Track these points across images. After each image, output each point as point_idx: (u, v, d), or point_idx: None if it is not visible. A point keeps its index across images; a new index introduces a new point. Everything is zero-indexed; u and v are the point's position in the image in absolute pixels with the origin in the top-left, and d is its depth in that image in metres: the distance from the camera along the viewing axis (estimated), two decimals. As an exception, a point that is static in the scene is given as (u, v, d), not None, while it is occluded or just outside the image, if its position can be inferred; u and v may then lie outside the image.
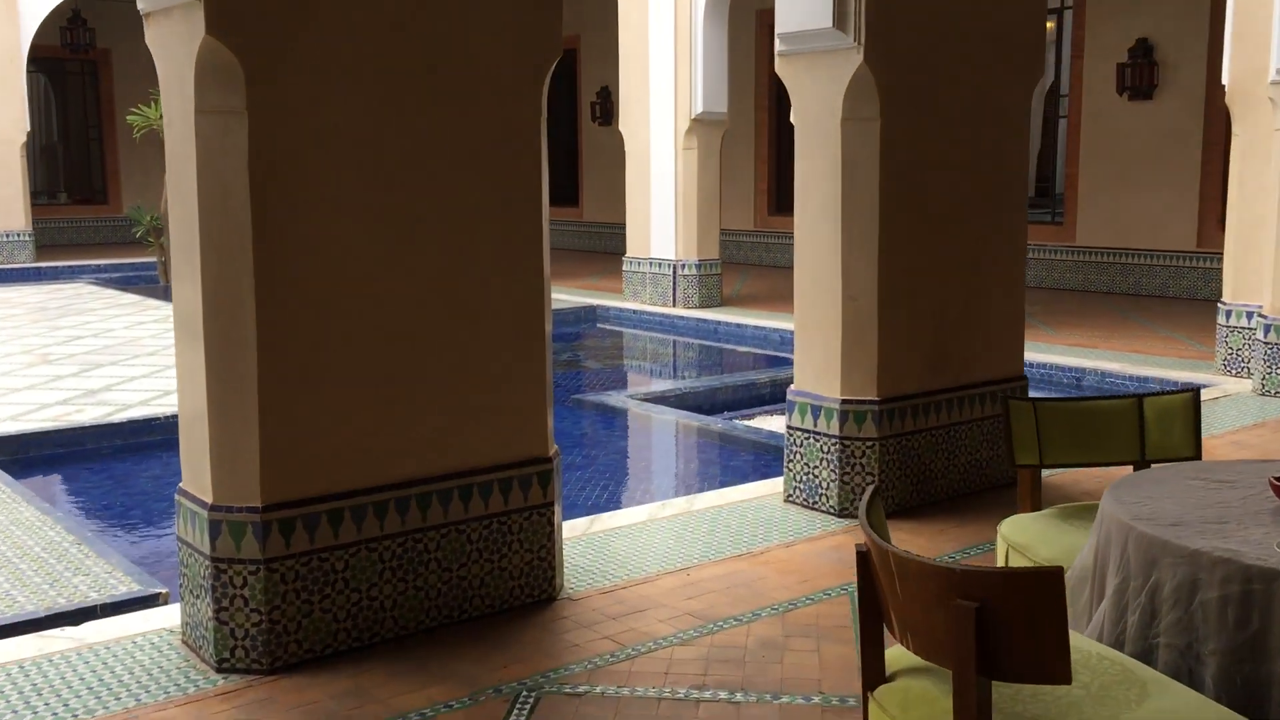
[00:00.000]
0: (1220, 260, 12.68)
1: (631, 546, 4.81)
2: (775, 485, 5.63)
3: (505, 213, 3.93)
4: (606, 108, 19.50)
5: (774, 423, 8.23)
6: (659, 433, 7.95)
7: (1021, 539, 3.58)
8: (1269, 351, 7.71)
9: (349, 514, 3.68)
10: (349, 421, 3.68)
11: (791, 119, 5.37)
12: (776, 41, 5.32)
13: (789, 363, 11.69)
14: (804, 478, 5.32)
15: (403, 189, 3.70)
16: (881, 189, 5.03)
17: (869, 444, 5.16)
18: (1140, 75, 13.29)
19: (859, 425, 5.15)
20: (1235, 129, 8.34)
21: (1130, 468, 3.89)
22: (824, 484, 5.24)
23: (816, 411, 5.25)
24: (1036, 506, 3.87)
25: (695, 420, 7.82)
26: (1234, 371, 8.39)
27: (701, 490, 6.22)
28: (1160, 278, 13.31)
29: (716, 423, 7.69)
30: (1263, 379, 7.76)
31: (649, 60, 12.80)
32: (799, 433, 5.34)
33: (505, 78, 3.87)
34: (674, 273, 12.76)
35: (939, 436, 5.39)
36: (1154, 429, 3.86)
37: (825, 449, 5.23)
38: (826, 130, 5.11)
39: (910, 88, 5.12)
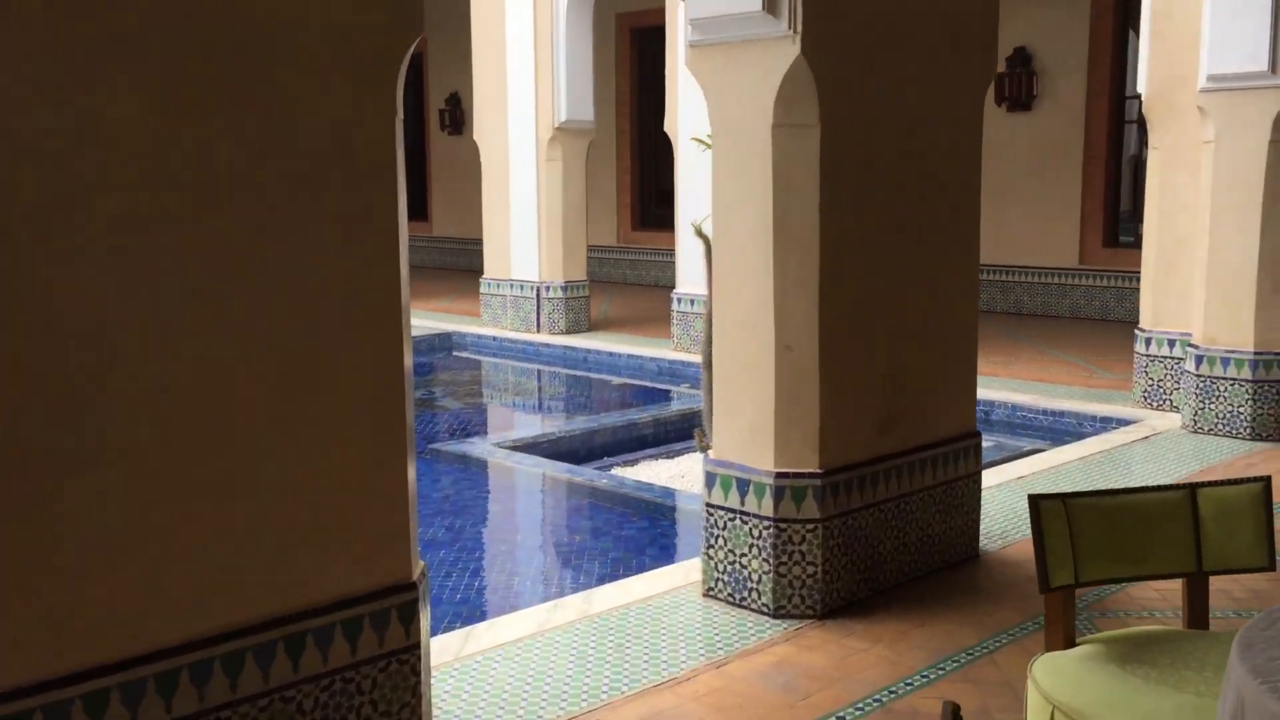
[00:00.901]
0: (1106, 278, 12.30)
1: (519, 675, 3.71)
2: (690, 572, 4.61)
3: (344, 253, 2.79)
4: (457, 116, 18.27)
5: (660, 470, 7.23)
6: (534, 492, 6.84)
7: (1073, 698, 2.62)
8: (1201, 385, 7.06)
9: (94, 703, 2.48)
10: (108, 564, 2.48)
11: (709, 127, 4.37)
12: (689, 30, 4.30)
13: (668, 396, 11.00)
14: (728, 568, 4.31)
15: (178, 223, 2.53)
16: (823, 212, 4.07)
17: (810, 527, 4.17)
18: (1019, 85, 12.80)
19: (797, 504, 4.16)
20: (1153, 141, 7.71)
21: (1182, 582, 2.99)
22: (754, 576, 4.23)
23: (744, 487, 4.24)
24: (1071, 639, 2.93)
25: (575, 475, 6.74)
26: (1155, 404, 7.75)
27: (597, 574, 5.15)
28: (1042, 296, 12.82)
29: (601, 478, 6.62)
30: (1194, 415, 7.11)
31: (505, 64, 11.67)
32: (722, 512, 4.32)
33: (343, 63, 2.74)
34: (538, 295, 11.66)
35: (888, 512, 4.44)
36: (1213, 529, 2.96)
37: (756, 533, 4.22)
38: (754, 139, 4.11)
39: (856, 87, 4.17)
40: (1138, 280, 12.09)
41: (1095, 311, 12.38)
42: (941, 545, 4.69)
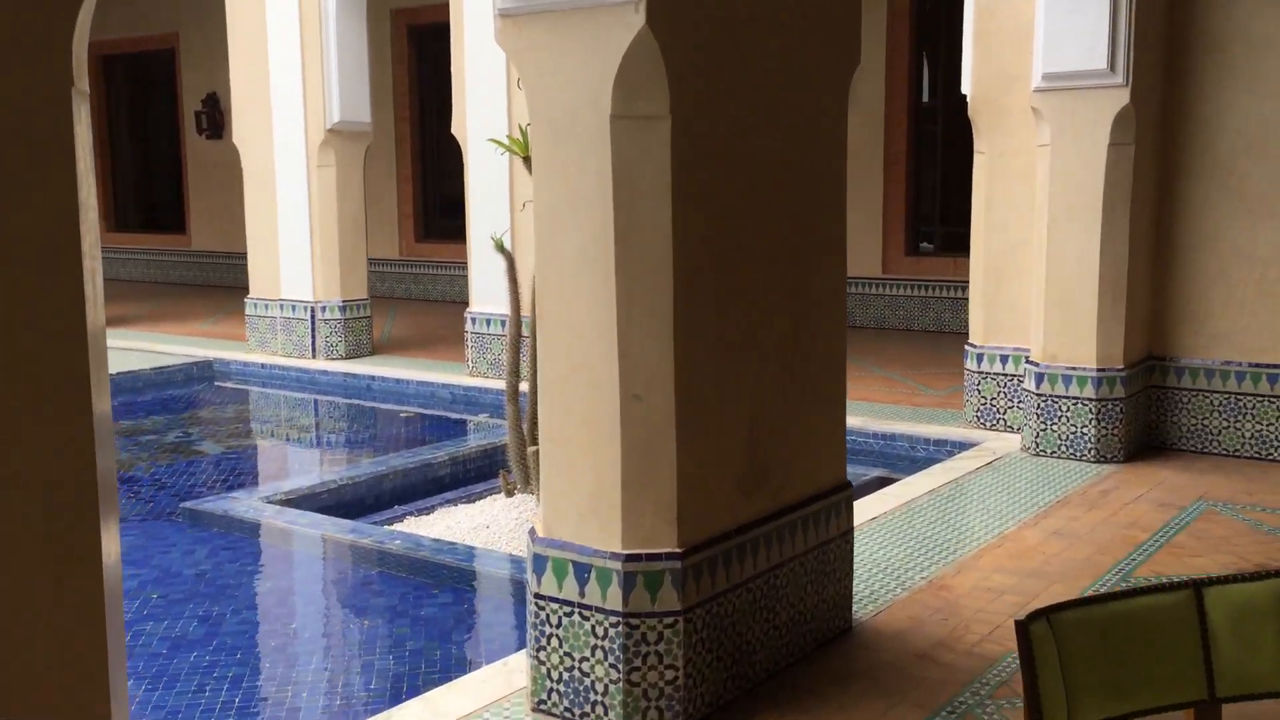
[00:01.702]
0: (909, 287, 12.03)
1: None
2: (513, 676, 3.69)
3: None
4: (215, 118, 16.66)
5: (461, 519, 6.27)
6: (313, 561, 5.76)
7: None
8: (1042, 405, 6.62)
9: None
10: None
11: (511, 127, 3.47)
12: (498, -6, 3.38)
13: (464, 428, 9.95)
14: (565, 675, 3.41)
15: None
16: (678, 226, 3.23)
17: (668, 622, 3.32)
18: (816, 90, 12.39)
19: (652, 593, 3.31)
20: (979, 145, 7.26)
21: (1189, 714, 2.28)
22: (599, 686, 3.35)
23: (584, 574, 3.36)
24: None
25: (361, 536, 5.69)
26: (989, 424, 7.30)
27: (393, 675, 4.15)
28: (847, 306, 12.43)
29: (393, 539, 5.60)
30: (1035, 436, 6.66)
31: (268, 62, 10.40)
32: (556, 605, 3.42)
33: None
34: (312, 317, 10.43)
35: (758, 591, 3.65)
36: (1227, 642, 2.26)
37: (600, 632, 3.34)
38: (587, 135, 3.24)
39: (715, 71, 3.36)
40: (942, 289, 11.91)
41: (900, 321, 12.09)
42: (815, 621, 3.93)
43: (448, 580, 5.13)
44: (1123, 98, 6.26)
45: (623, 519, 3.30)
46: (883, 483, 6.84)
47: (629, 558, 3.29)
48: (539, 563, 3.44)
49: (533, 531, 3.51)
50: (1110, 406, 6.46)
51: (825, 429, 4.03)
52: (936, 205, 12.45)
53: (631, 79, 3.16)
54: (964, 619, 4.24)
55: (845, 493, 4.10)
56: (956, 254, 11.86)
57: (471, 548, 5.47)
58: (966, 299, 11.58)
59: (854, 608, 4.25)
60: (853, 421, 7.42)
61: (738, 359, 3.52)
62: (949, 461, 6.56)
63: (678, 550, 3.31)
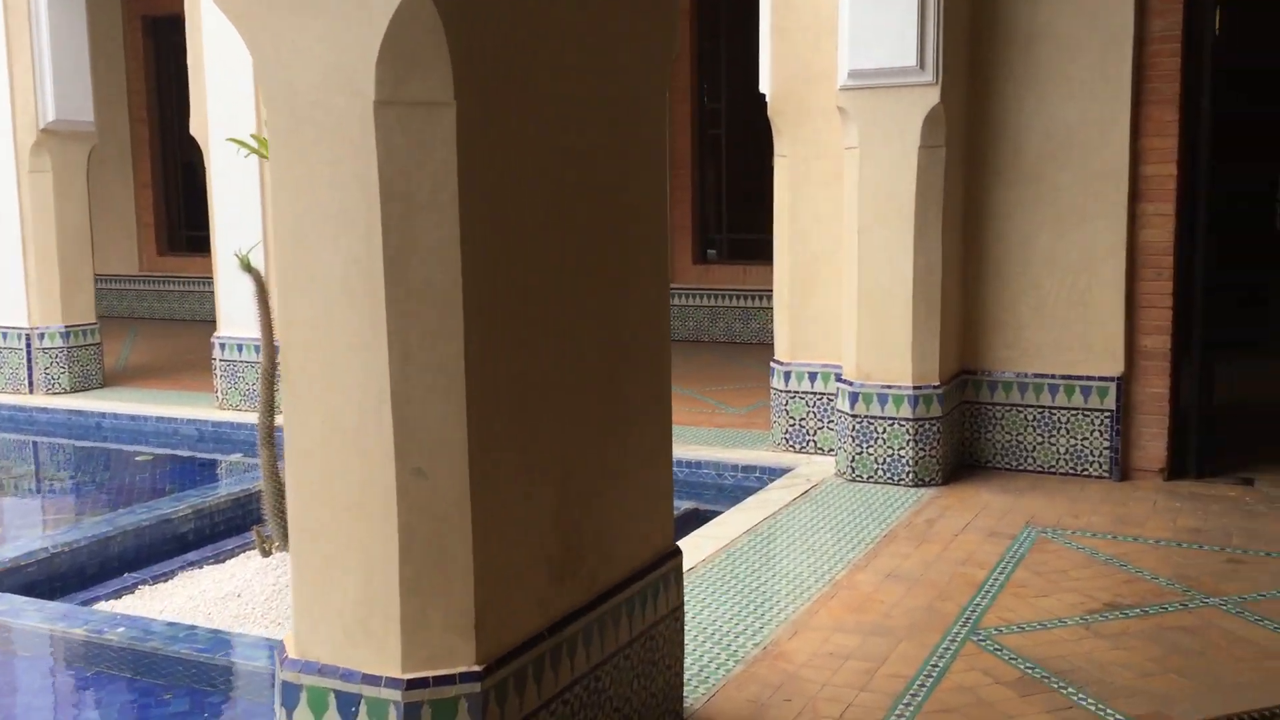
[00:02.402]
0: (697, 297, 11.53)
1: None
2: (264, 834, 2.83)
3: None
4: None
5: (207, 586, 5.31)
6: (9, 662, 4.62)
7: None
8: (858, 426, 6.15)
9: None
10: None
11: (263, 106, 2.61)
12: (214, -65, 2.52)
13: (214, 470, 8.73)
14: (333, 838, 2.58)
15: None
16: (468, 246, 2.46)
17: (469, 762, 2.54)
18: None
19: (447, 727, 2.52)
20: (780, 148, 6.76)
21: None
22: None
23: (350, 707, 2.53)
24: None
25: (74, 626, 4.60)
26: (799, 446, 6.81)
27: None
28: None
29: (116, 625, 4.53)
30: (851, 460, 6.19)
31: (-31, 49, 8.95)
32: (316, 749, 2.58)
33: None
34: (28, 346, 9.04)
35: (575, 703, 2.91)
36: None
37: (378, 782, 2.53)
38: (341, 125, 2.42)
39: (512, 46, 2.60)
40: (732, 298, 11.49)
41: (690, 333, 11.61)
42: (643, 723, 3.23)
43: (184, 679, 4.16)
44: (933, 97, 5.86)
45: (403, 633, 2.50)
46: (694, 517, 6.24)
47: (412, 683, 2.49)
48: (290, 694, 2.59)
49: (281, 650, 2.66)
50: (928, 426, 6.05)
51: (650, 485, 3.33)
52: (723, 211, 12.05)
53: (402, 53, 2.37)
54: (809, 697, 3.63)
55: (674, 561, 3.42)
56: (745, 261, 11.48)
57: (216, 632, 4.50)
58: (757, 308, 11.25)
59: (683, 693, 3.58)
60: (653, 449, 6.83)
61: (547, 411, 2.77)
62: (763, 492, 6.00)
63: (476, 668, 2.53)
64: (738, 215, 11.89)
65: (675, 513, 6.16)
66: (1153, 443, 6.18)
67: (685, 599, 4.29)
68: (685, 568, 4.68)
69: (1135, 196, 6.07)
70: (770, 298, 10.29)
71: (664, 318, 3.38)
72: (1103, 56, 5.99)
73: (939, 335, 6.06)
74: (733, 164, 11.90)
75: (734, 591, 4.55)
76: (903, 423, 6.05)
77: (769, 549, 5.09)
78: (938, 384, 6.07)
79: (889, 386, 6.07)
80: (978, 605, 4.39)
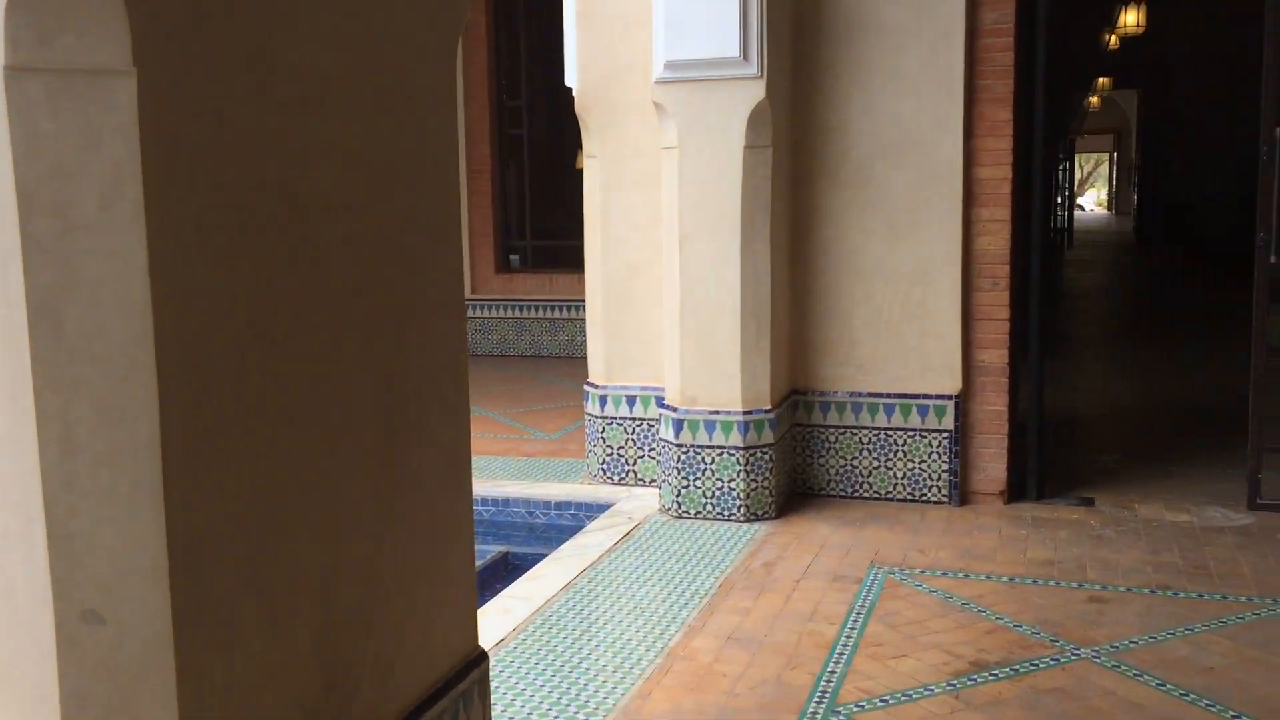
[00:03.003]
0: (502, 308, 10.77)
1: None
2: None
3: None
4: None
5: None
6: None
7: None
8: (684, 457, 5.55)
9: None
10: None
11: None
12: None
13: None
14: None
15: None
16: (158, 273, 1.67)
17: None
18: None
19: None
20: (589, 148, 6.10)
21: None
22: None
23: None
24: None
25: None
26: (617, 477, 6.16)
27: None
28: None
29: None
30: (676, 495, 5.57)
31: None
32: None
33: None
34: None
35: None
36: None
37: None
38: (-48, 100, 1.61)
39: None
40: (537, 309, 10.78)
41: (493, 347, 10.85)
42: None
43: None
44: (758, 91, 5.30)
45: None
46: (503, 564, 5.52)
47: None
48: None
49: None
50: (760, 455, 5.49)
51: (446, 573, 2.59)
52: (526, 216, 11.33)
53: (45, 3, 1.57)
54: (650, 814, 2.97)
55: (478, 670, 2.69)
56: (551, 269, 10.80)
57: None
58: (566, 319, 10.57)
59: (497, 828, 2.86)
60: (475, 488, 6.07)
61: (294, 506, 2.01)
62: (580, 536, 5.32)
63: None
64: (543, 220, 11.19)
65: (483, 560, 5.43)
66: (992, 464, 5.80)
67: (494, 686, 3.57)
68: (494, 640, 3.97)
69: (970, 201, 5.68)
70: (580, 308, 9.65)
71: (460, 364, 2.64)
72: (933, 49, 5.57)
73: (769, 354, 5.52)
74: (537, 165, 11.20)
75: (552, 672, 3.84)
76: (733, 452, 5.47)
77: (590, 610, 4.41)
78: (769, 408, 5.52)
79: (716, 412, 5.49)
80: (832, 674, 3.82)
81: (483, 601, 4.57)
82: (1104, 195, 45.48)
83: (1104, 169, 44.21)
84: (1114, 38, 18.52)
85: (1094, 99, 25.11)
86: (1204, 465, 6.46)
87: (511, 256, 11.32)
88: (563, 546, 5.16)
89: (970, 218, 5.68)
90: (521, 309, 10.76)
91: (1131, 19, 16.63)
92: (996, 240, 5.68)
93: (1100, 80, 22.70)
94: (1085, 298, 15.51)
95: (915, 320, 5.74)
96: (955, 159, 5.61)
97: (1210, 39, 18.03)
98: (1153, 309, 14.43)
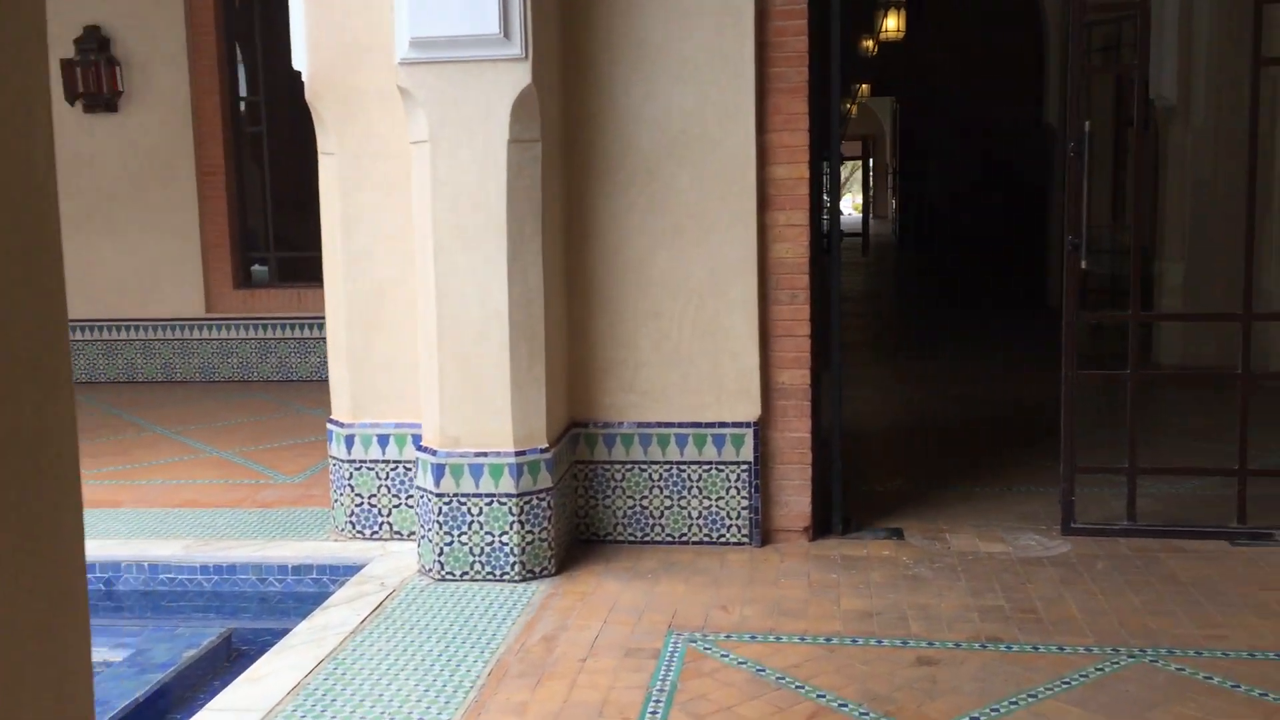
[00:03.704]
0: (242, 328, 9.53)
1: None
2: None
3: None
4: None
5: None
6: None
7: None
8: (445, 509, 4.68)
9: None
10: None
11: None
12: None
13: None
14: None
15: None
16: None
17: None
18: (97, 78, 9.49)
19: None
20: (325, 144, 5.16)
21: None
22: None
23: None
24: None
25: None
26: (369, 531, 5.23)
27: None
28: (162, 356, 9.69)
29: None
30: (438, 554, 4.70)
31: None
32: None
33: None
34: None
35: None
36: None
37: None
38: None
39: None
40: (284, 328, 9.63)
41: (234, 371, 9.63)
42: None
43: None
44: (523, 76, 4.51)
45: None
46: (224, 652, 4.52)
47: None
48: None
49: None
50: (536, 502, 4.69)
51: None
52: (268, 224, 10.15)
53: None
54: None
55: None
56: (300, 284, 9.68)
57: None
58: (317, 340, 9.46)
59: None
60: (171, 550, 5.03)
61: None
62: (319, 614, 4.37)
63: None
64: (290, 228, 10.04)
65: (199, 647, 4.40)
66: (795, 498, 5.19)
67: None
68: (194, 783, 3.00)
69: (765, 203, 5.05)
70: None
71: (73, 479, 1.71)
72: (720, 31, 4.91)
73: (545, 383, 4.73)
74: (281, 167, 10.04)
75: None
76: (504, 500, 4.65)
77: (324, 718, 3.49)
78: (546, 446, 4.73)
79: (484, 454, 4.65)
80: (634, 793, 3.05)
81: (189, 717, 3.59)
82: (859, 200, 47.02)
83: (858, 174, 45.66)
84: (873, 44, 18.73)
85: (853, 106, 25.57)
86: (1006, 483, 6.08)
87: (254, 269, 10.12)
88: (296, 630, 4.20)
89: (766, 222, 5.06)
90: (266, 328, 9.59)
91: (892, 24, 16.75)
92: (795, 247, 5.07)
93: (861, 87, 23.06)
94: (854, 302, 15.43)
95: (708, 338, 5.07)
96: (748, 156, 4.97)
97: (963, 44, 18.43)
98: (921, 314, 14.44)
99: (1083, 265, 5.09)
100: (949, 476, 6.26)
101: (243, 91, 9.95)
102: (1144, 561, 4.85)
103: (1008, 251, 17.19)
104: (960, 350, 10.82)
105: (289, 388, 9.30)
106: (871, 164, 38.77)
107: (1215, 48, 8.87)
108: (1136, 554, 4.95)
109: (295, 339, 9.55)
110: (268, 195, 9.99)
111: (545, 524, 4.71)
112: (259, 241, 10.18)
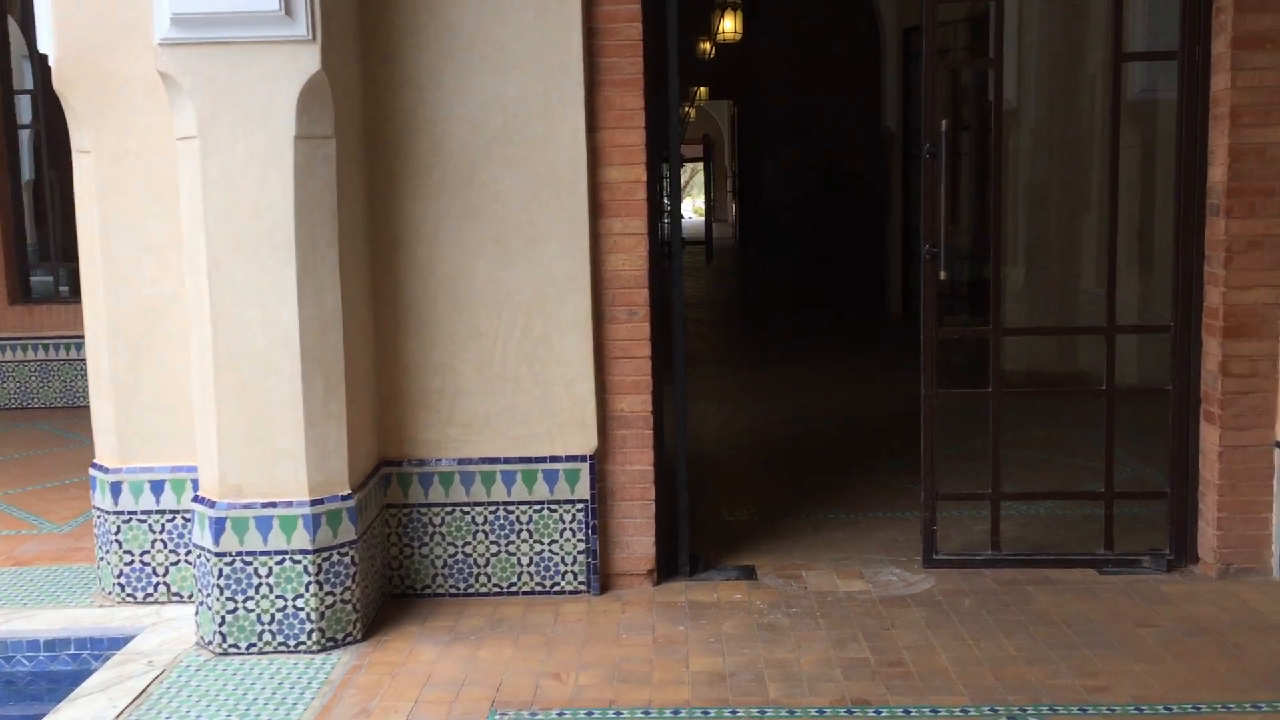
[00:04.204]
0: (20, 349, 8.49)
1: None
2: None
3: None
4: None
5: None
6: None
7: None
8: (227, 571, 3.97)
9: None
10: None
11: None
12: None
13: None
14: None
15: None
16: None
17: None
18: None
19: None
20: (78, 142, 4.39)
21: None
22: None
23: None
24: None
25: None
26: (142, 594, 4.47)
27: None
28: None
29: None
30: (219, 623, 3.98)
31: None
32: None
33: None
34: None
35: None
36: None
37: None
38: None
39: None
40: (67, 349, 8.62)
41: (11, 398, 8.58)
42: None
43: None
44: (310, 61, 3.84)
45: None
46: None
47: None
48: None
49: None
50: (337, 558, 4.03)
51: None
52: (53, 234, 9.11)
53: None
54: None
55: None
56: (85, 299, 8.67)
57: None
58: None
59: None
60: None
61: None
62: (66, 707, 3.61)
63: None
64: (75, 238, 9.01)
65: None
66: (637, 537, 4.65)
67: None
68: None
69: (598, 209, 4.50)
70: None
71: None
72: (543, 13, 4.33)
73: (346, 419, 4.06)
74: (67, 167, 9.01)
75: None
76: (298, 558, 3.97)
77: None
78: (349, 492, 4.06)
79: (273, 504, 3.96)
80: None
81: None
82: (700, 203, 47.11)
83: (699, 178, 45.72)
84: (711, 46, 18.46)
85: (691, 110, 25.35)
86: (861, 508, 5.68)
87: (36, 281, 9.07)
88: (37, 728, 3.45)
89: (600, 230, 4.50)
90: (49, 349, 8.58)
91: (729, 25, 16.47)
92: (632, 258, 4.53)
93: (699, 90, 22.82)
94: (696, 308, 15.05)
95: (537, 362, 4.48)
96: (578, 156, 4.41)
97: (800, 47, 18.30)
98: (765, 322, 14.13)
99: (941, 276, 4.69)
100: (802, 501, 5.83)
101: (21, 84, 8.91)
102: (1012, 597, 4.47)
103: (848, 257, 17.10)
104: (806, 359, 10.48)
105: (76, 415, 8.28)
106: (711, 168, 38.83)
107: (1048, 51, 8.74)
108: (1003, 588, 4.57)
109: (82, 360, 8.55)
110: (51, 202, 8.96)
111: (348, 583, 4.05)
112: (45, 252, 9.14)
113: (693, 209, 49.38)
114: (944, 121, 4.59)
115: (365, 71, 4.31)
